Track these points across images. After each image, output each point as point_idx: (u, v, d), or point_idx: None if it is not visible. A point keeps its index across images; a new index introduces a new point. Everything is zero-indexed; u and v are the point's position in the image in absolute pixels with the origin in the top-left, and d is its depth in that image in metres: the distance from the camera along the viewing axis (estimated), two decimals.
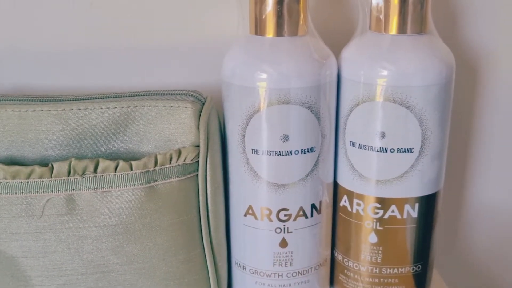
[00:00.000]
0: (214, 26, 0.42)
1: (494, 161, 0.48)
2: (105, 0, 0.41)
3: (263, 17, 0.36)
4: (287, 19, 0.36)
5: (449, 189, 0.47)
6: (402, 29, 0.37)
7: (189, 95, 0.38)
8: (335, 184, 0.41)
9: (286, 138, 0.36)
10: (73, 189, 0.35)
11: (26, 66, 0.43)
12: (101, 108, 0.37)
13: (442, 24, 0.43)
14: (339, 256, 0.42)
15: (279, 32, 0.36)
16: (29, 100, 0.38)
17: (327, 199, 0.40)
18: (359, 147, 0.38)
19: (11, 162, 0.37)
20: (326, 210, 0.40)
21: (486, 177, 0.49)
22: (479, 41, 0.44)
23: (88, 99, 0.38)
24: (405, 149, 0.37)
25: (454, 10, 0.44)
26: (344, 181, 0.40)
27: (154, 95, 0.38)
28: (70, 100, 0.38)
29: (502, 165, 0.48)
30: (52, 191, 0.35)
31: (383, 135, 0.37)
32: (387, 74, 0.36)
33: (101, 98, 0.38)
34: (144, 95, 0.38)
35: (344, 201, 0.40)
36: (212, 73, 0.40)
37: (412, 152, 0.37)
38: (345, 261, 0.41)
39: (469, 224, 0.51)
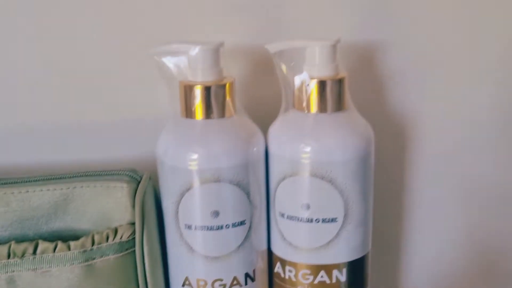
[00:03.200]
0: (151, 104, 0.44)
1: (425, 221, 0.51)
2: (45, 80, 0.43)
3: (192, 103, 0.38)
4: (214, 104, 0.38)
5: (381, 251, 0.49)
6: (322, 108, 0.39)
7: (125, 175, 0.40)
8: (270, 251, 0.43)
9: (216, 213, 0.39)
10: (13, 271, 0.37)
11: None
12: (42, 190, 0.39)
13: (367, 97, 0.46)
14: None
15: (207, 115, 0.38)
16: None
17: (261, 265, 0.42)
18: (287, 218, 0.40)
19: None
20: (261, 276, 0.42)
21: (418, 236, 0.51)
22: (404, 110, 0.48)
23: (29, 181, 0.40)
24: (329, 219, 0.40)
25: (378, 83, 0.47)
26: (277, 249, 0.42)
27: (92, 176, 0.40)
28: (11, 184, 0.39)
29: (433, 223, 0.51)
30: None
31: (308, 206, 0.40)
32: (310, 151, 0.39)
33: (41, 180, 0.40)
34: (82, 176, 0.40)
35: (278, 267, 0.42)
36: (151, 149, 0.42)
37: (336, 221, 0.40)
38: None
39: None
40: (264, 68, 0.44)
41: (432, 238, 0.51)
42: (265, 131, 0.41)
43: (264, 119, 0.42)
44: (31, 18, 0.42)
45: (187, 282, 0.40)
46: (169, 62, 0.40)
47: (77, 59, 0.43)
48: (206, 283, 0.40)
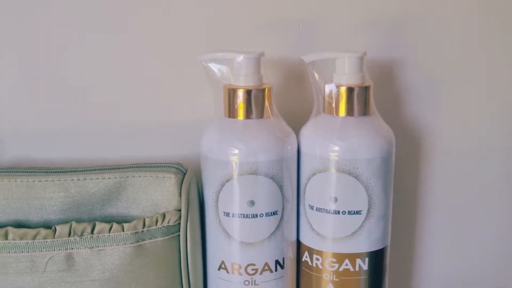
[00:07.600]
0: (196, 107, 0.49)
1: (438, 223, 0.55)
2: (102, 84, 0.49)
3: (235, 104, 0.43)
4: (254, 106, 0.43)
5: (397, 245, 0.54)
6: (349, 112, 0.44)
7: (173, 167, 0.45)
8: (298, 242, 0.47)
9: (252, 203, 0.43)
10: (72, 248, 0.41)
11: (26, 141, 0.50)
12: (98, 178, 0.44)
13: (387, 105, 0.51)
14: None
15: (248, 116, 0.43)
16: (35, 172, 0.44)
17: (291, 255, 0.46)
18: (316, 210, 0.45)
19: (18, 225, 0.43)
20: (291, 265, 0.47)
21: (431, 237, 0.56)
22: (419, 118, 0.53)
23: (86, 170, 0.45)
24: (354, 211, 0.44)
25: (398, 93, 0.52)
26: (305, 239, 0.46)
27: (143, 167, 0.45)
28: (71, 172, 0.44)
29: (446, 220, 0.56)
30: (54, 250, 0.41)
31: (336, 199, 0.44)
32: (338, 150, 0.43)
33: (97, 170, 0.45)
34: (135, 167, 0.45)
35: (305, 257, 0.47)
36: (193, 147, 0.47)
37: (361, 214, 0.44)
38: None
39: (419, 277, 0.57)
40: (296, 78, 0.49)
41: (445, 235, 0.55)
42: (296, 133, 0.46)
43: (295, 123, 0.47)
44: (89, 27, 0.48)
45: (223, 266, 0.45)
46: (214, 67, 0.45)
47: (134, 67, 0.49)
48: (240, 267, 0.44)
